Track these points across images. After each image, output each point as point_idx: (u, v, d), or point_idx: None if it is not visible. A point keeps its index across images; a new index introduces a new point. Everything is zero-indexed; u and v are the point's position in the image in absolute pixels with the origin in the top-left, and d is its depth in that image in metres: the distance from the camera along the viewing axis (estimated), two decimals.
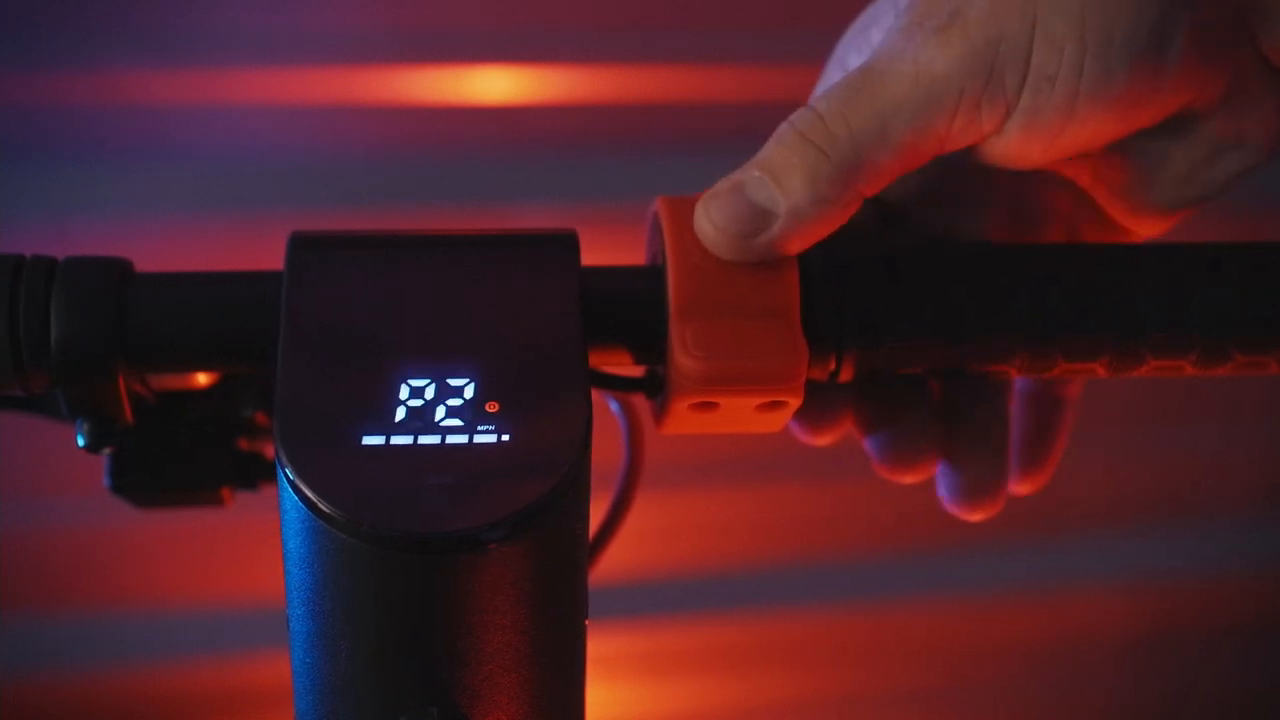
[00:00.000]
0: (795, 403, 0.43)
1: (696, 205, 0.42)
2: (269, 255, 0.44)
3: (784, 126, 0.42)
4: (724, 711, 1.15)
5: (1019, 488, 0.53)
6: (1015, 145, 0.42)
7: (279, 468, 0.37)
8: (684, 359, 0.41)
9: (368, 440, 0.38)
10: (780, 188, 0.41)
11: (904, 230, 0.50)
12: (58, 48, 0.92)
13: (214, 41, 0.95)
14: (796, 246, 0.42)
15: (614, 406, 0.52)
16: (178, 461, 0.50)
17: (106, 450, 0.45)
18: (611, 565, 0.54)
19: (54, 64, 0.92)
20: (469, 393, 0.39)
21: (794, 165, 0.41)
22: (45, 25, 0.92)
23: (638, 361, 0.45)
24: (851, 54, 0.48)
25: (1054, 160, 0.43)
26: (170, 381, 0.48)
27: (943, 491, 0.51)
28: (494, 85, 1.00)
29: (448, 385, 0.39)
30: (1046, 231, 0.50)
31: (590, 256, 0.43)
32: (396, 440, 0.38)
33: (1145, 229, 0.48)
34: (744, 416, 0.43)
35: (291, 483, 0.37)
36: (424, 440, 0.38)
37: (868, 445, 0.50)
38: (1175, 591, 1.20)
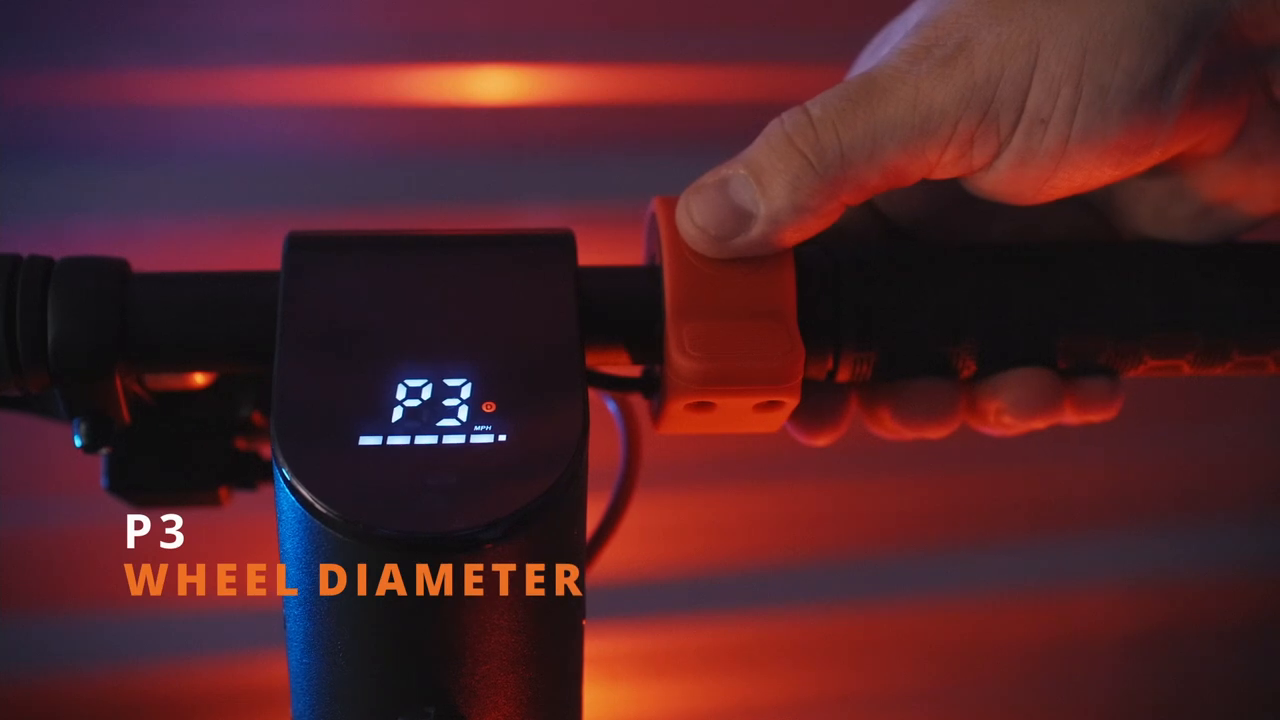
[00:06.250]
0: (792, 403, 0.43)
1: (680, 199, 0.42)
2: (268, 255, 0.44)
3: (774, 125, 0.41)
4: (724, 711, 1.15)
5: None
6: (1006, 182, 0.42)
7: (276, 468, 0.37)
8: (681, 359, 0.41)
9: (365, 440, 0.38)
10: (762, 191, 0.41)
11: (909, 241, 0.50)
12: (57, 48, 0.92)
13: (214, 41, 0.95)
14: (773, 248, 0.42)
15: (611, 406, 0.51)
16: (175, 462, 0.50)
17: (104, 450, 0.44)
18: (611, 565, 0.54)
19: (53, 64, 0.92)
20: (466, 393, 0.39)
21: (778, 170, 0.41)
22: (44, 25, 0.92)
23: (635, 361, 0.45)
24: None
25: (1051, 199, 0.43)
26: (167, 381, 0.48)
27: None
28: (493, 85, 1.00)
29: (445, 385, 0.39)
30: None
31: (590, 257, 0.43)
32: (393, 440, 0.38)
33: None
34: (741, 416, 0.43)
35: (288, 483, 0.37)
36: (421, 440, 0.38)
37: (888, 413, 0.47)
38: (1175, 591, 1.20)
